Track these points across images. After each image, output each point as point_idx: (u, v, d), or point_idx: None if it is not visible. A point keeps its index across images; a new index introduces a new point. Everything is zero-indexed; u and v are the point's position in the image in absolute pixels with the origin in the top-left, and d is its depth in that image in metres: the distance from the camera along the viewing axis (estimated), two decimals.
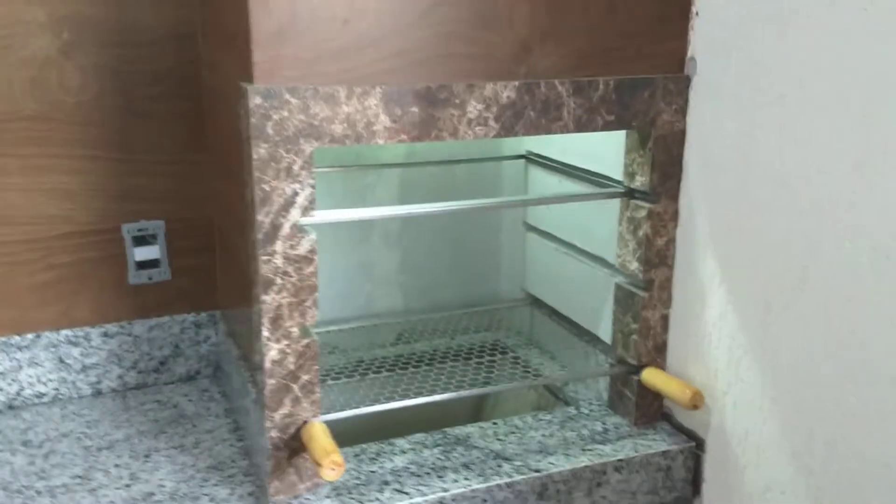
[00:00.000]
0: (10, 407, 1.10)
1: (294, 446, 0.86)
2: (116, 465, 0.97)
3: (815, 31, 0.75)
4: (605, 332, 1.11)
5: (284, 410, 0.85)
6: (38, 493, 0.91)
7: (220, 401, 1.14)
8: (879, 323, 0.72)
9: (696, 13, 0.91)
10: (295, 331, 0.84)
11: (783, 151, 0.80)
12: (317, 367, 0.85)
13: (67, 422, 1.07)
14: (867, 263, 0.72)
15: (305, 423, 0.86)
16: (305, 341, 0.84)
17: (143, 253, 1.13)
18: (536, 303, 1.30)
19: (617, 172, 1.03)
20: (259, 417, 0.89)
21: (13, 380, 1.10)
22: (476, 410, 1.33)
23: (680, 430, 1.01)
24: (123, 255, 1.13)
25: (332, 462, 0.79)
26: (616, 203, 1.04)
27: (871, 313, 0.72)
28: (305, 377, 0.85)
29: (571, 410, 1.08)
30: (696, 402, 0.93)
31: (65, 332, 1.11)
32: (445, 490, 0.89)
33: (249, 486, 0.92)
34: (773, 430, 0.85)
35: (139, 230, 1.13)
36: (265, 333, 0.82)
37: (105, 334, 1.13)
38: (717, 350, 0.92)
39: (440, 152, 1.23)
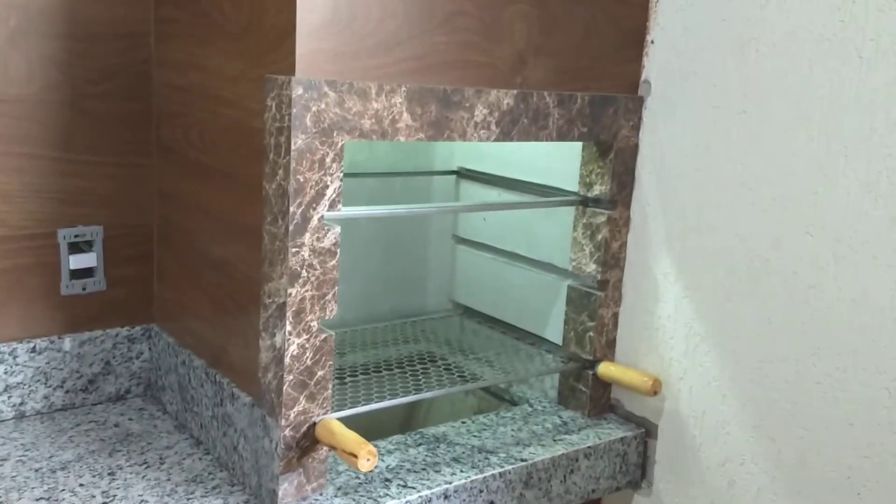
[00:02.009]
0: None
1: (305, 445, 0.85)
2: (81, 485, 0.88)
3: (776, 56, 0.90)
4: (551, 333, 1.19)
5: (299, 408, 0.84)
6: None
7: (163, 418, 1.07)
8: (842, 304, 0.86)
9: (652, 41, 1.03)
10: (314, 325, 0.83)
11: (746, 158, 0.93)
12: (331, 362, 0.85)
13: None
14: (830, 254, 0.86)
15: (315, 423, 0.85)
16: (323, 336, 0.84)
17: (78, 261, 1.05)
18: (466, 312, 1.36)
19: (564, 183, 1.13)
20: (259, 421, 0.86)
21: None
22: (406, 420, 1.35)
23: (629, 418, 1.11)
24: (57, 262, 1.04)
25: (368, 452, 0.79)
26: (563, 212, 1.13)
27: (833, 296, 0.86)
28: (320, 373, 0.85)
29: (527, 408, 1.14)
30: (656, 389, 1.03)
31: None
32: (448, 482, 0.91)
33: (241, 496, 0.89)
34: (733, 407, 0.97)
35: (76, 236, 1.04)
36: (288, 328, 0.81)
37: (33, 350, 1.03)
38: (671, 340, 1.03)
39: (378, 164, 1.26)
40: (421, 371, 1.19)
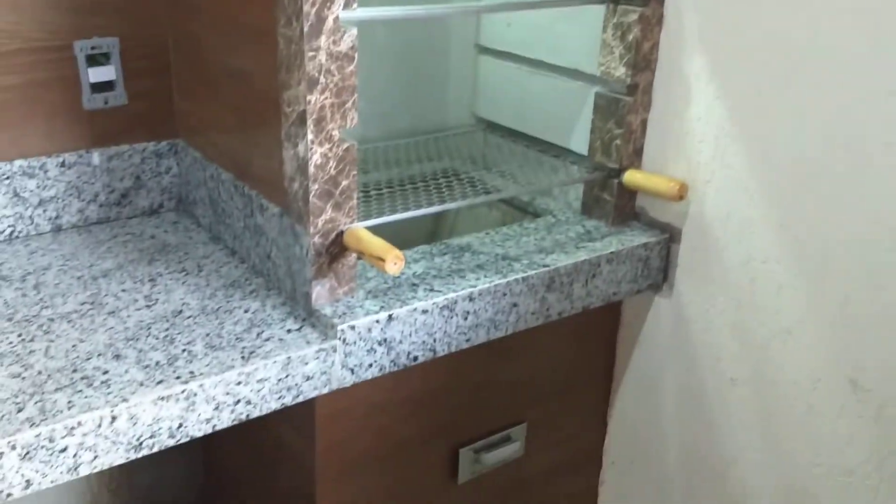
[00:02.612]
0: None
1: (334, 252, 0.87)
2: (124, 290, 0.92)
3: None
4: (577, 144, 1.17)
5: (326, 216, 0.85)
6: (51, 320, 0.86)
7: (197, 230, 1.09)
8: (875, 96, 0.83)
9: None
10: (336, 134, 0.82)
11: None
12: (355, 172, 0.85)
13: (39, 257, 0.99)
14: (866, 47, 0.82)
15: (343, 231, 0.87)
16: (345, 145, 0.83)
17: (97, 74, 1.03)
18: (489, 126, 1.34)
19: None
20: (289, 230, 0.88)
21: None
22: (430, 237, 1.37)
23: (653, 225, 1.11)
24: (76, 76, 1.03)
25: (395, 256, 0.81)
26: (591, 14, 1.08)
27: (868, 88, 0.83)
28: (345, 182, 0.85)
29: (550, 219, 1.15)
30: (683, 193, 1.03)
31: (18, 162, 1.01)
32: (473, 286, 0.94)
33: (278, 298, 0.92)
34: (760, 207, 0.96)
35: (92, 48, 1.02)
36: (310, 137, 0.81)
37: (62, 164, 1.04)
38: (700, 143, 1.02)
39: None
40: (445, 186, 1.20)
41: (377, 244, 0.82)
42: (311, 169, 0.82)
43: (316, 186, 0.83)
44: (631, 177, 1.08)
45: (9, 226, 1.03)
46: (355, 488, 0.98)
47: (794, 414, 0.97)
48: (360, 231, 0.85)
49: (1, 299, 0.89)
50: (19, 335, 0.82)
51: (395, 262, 0.80)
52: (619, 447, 1.23)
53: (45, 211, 1.05)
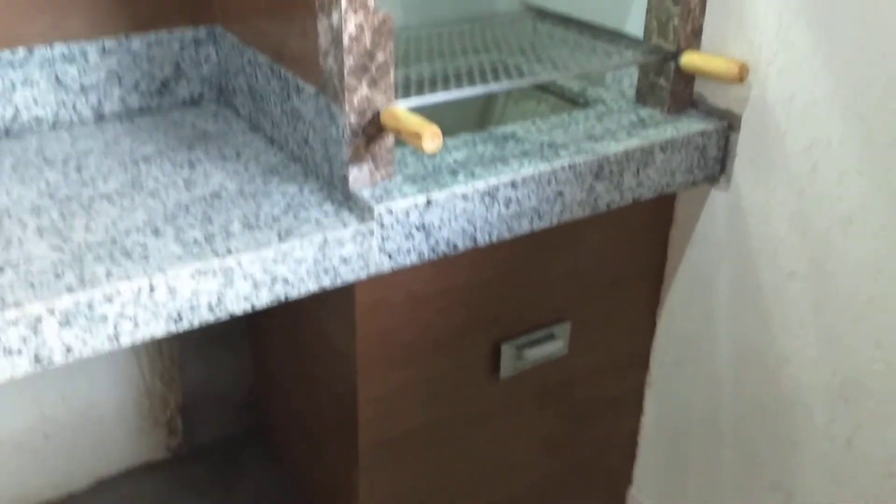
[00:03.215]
0: (7, 134, 1.01)
1: (371, 133, 0.84)
2: (163, 174, 0.92)
3: None
4: (632, 25, 1.11)
5: (362, 94, 0.82)
6: (91, 199, 0.86)
7: (237, 120, 1.08)
8: None
9: None
10: (371, 2, 0.78)
11: None
12: (391, 46, 0.82)
13: (82, 142, 0.99)
14: None
15: (380, 110, 0.84)
16: (381, 15, 0.80)
17: None
18: (539, 14, 1.28)
19: None
20: (325, 110, 0.86)
21: (8, 102, 0.99)
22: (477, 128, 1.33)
23: (711, 113, 1.05)
24: None
25: (432, 133, 0.77)
26: None
27: None
28: (381, 57, 0.82)
29: (602, 108, 1.10)
30: (743, 75, 0.96)
31: (59, 47, 1.00)
32: (516, 172, 0.90)
33: (316, 183, 0.91)
34: (824, 88, 0.90)
35: None
36: (344, 4, 0.77)
37: (102, 50, 1.03)
38: (763, 22, 0.95)
39: None
40: (492, 79, 1.15)
41: (414, 120, 0.79)
42: (346, 41, 0.79)
43: (351, 60, 0.80)
44: (689, 59, 1.01)
45: (52, 113, 1.02)
46: (396, 380, 0.98)
47: (854, 307, 0.92)
48: (397, 109, 0.82)
49: (43, 180, 0.90)
50: (60, 212, 0.83)
51: (432, 138, 0.77)
52: (667, 348, 1.20)
53: (86, 98, 1.04)
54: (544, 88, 1.26)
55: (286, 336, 1.18)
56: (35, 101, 1.01)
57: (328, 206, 0.86)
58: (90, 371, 1.21)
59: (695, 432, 1.18)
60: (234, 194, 0.87)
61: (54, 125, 1.03)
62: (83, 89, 1.03)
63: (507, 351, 1.05)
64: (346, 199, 0.86)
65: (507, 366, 1.06)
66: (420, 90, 1.05)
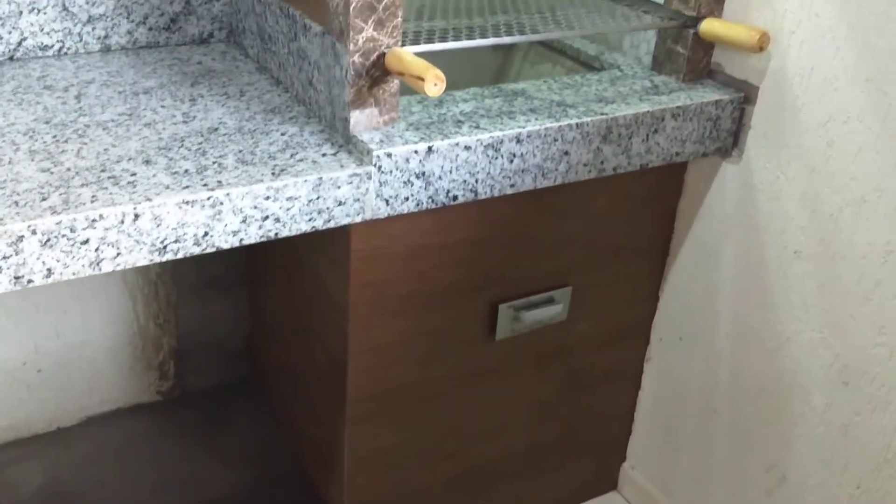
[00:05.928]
0: (12, 59, 0.99)
1: (375, 75, 0.82)
2: (163, 106, 0.90)
3: None
4: None
5: (367, 34, 0.80)
6: (87, 126, 0.84)
7: (245, 60, 1.06)
8: None
9: None
10: None
11: None
12: None
13: (85, 72, 0.98)
14: None
15: (385, 53, 0.82)
16: None
17: None
18: None
19: None
20: (330, 49, 0.84)
21: (13, 27, 0.98)
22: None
23: (728, 84, 1.02)
24: None
25: (435, 76, 0.75)
26: None
27: None
28: None
29: (616, 72, 1.07)
30: (763, 44, 0.93)
31: None
32: (521, 127, 0.88)
33: (318, 125, 0.89)
34: (846, 60, 0.87)
35: None
36: None
37: None
38: None
39: None
40: (505, 36, 1.12)
41: (418, 63, 0.77)
42: None
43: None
44: (709, 25, 0.98)
45: (58, 41, 1.01)
46: (389, 332, 0.97)
47: (860, 290, 0.89)
48: (402, 52, 0.80)
49: (41, 105, 0.88)
50: (54, 136, 0.81)
51: (435, 81, 0.75)
52: (668, 323, 1.17)
53: (93, 29, 1.02)
54: (561, 52, 1.23)
55: (284, 284, 1.17)
56: (41, 28, 0.99)
57: (327, 148, 0.84)
58: (85, 309, 1.21)
59: (691, 411, 1.16)
60: (232, 130, 0.86)
61: (59, 53, 1.02)
62: (91, 19, 1.02)
63: (504, 312, 1.03)
64: (346, 142, 0.85)
65: (504, 327, 1.04)
66: (431, 41, 1.03)
